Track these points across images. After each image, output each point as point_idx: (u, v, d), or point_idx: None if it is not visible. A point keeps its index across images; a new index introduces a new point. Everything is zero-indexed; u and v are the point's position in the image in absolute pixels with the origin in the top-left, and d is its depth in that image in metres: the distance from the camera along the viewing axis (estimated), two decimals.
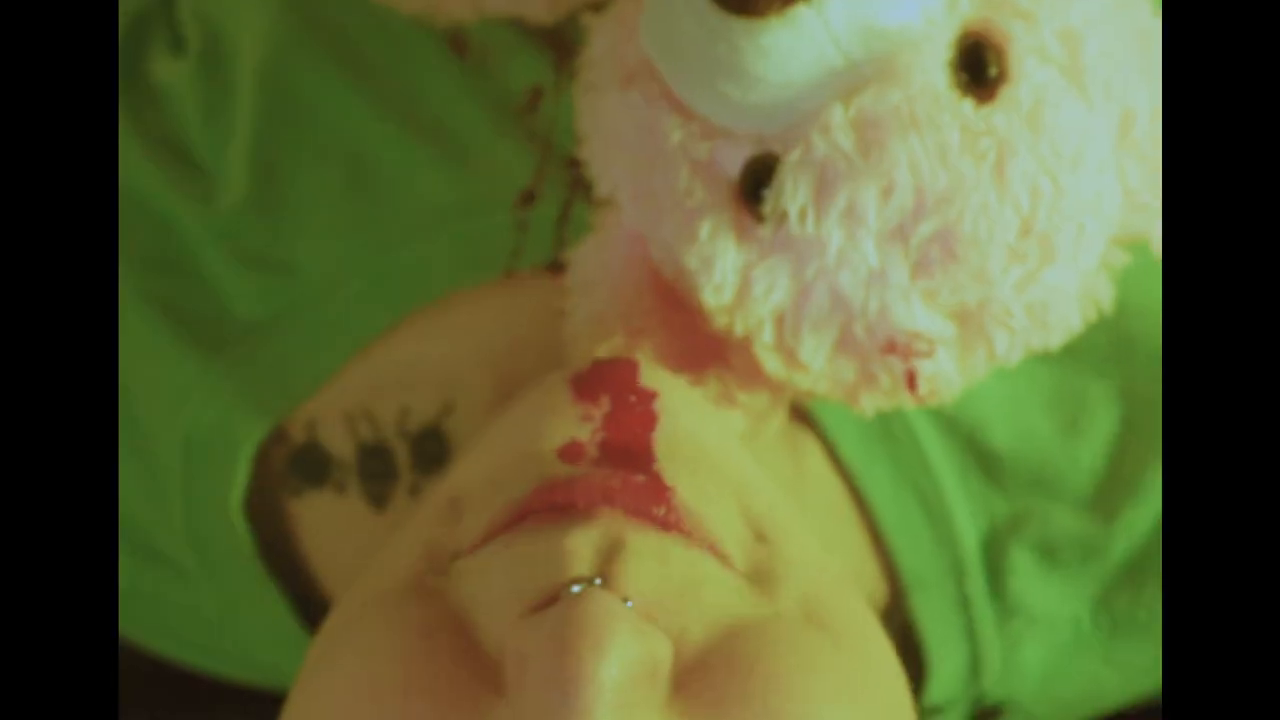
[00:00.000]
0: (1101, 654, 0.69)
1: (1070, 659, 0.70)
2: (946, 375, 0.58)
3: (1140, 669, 0.70)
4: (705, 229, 0.56)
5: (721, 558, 0.56)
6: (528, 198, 0.69)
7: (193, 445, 0.71)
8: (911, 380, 0.58)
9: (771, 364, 0.58)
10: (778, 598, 0.55)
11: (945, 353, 0.58)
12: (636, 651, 0.50)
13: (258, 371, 0.71)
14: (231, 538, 0.71)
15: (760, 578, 0.56)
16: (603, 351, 0.61)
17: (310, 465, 0.71)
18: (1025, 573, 0.69)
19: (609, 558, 0.53)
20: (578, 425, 0.58)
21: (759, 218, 0.56)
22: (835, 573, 0.60)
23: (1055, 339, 0.59)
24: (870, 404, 0.60)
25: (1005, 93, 0.55)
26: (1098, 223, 0.57)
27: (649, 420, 0.57)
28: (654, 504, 0.55)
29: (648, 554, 0.54)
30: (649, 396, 0.58)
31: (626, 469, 0.56)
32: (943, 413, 0.68)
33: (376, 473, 0.70)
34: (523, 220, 0.68)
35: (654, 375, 0.59)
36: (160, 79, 0.76)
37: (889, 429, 0.68)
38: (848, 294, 0.56)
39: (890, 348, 0.57)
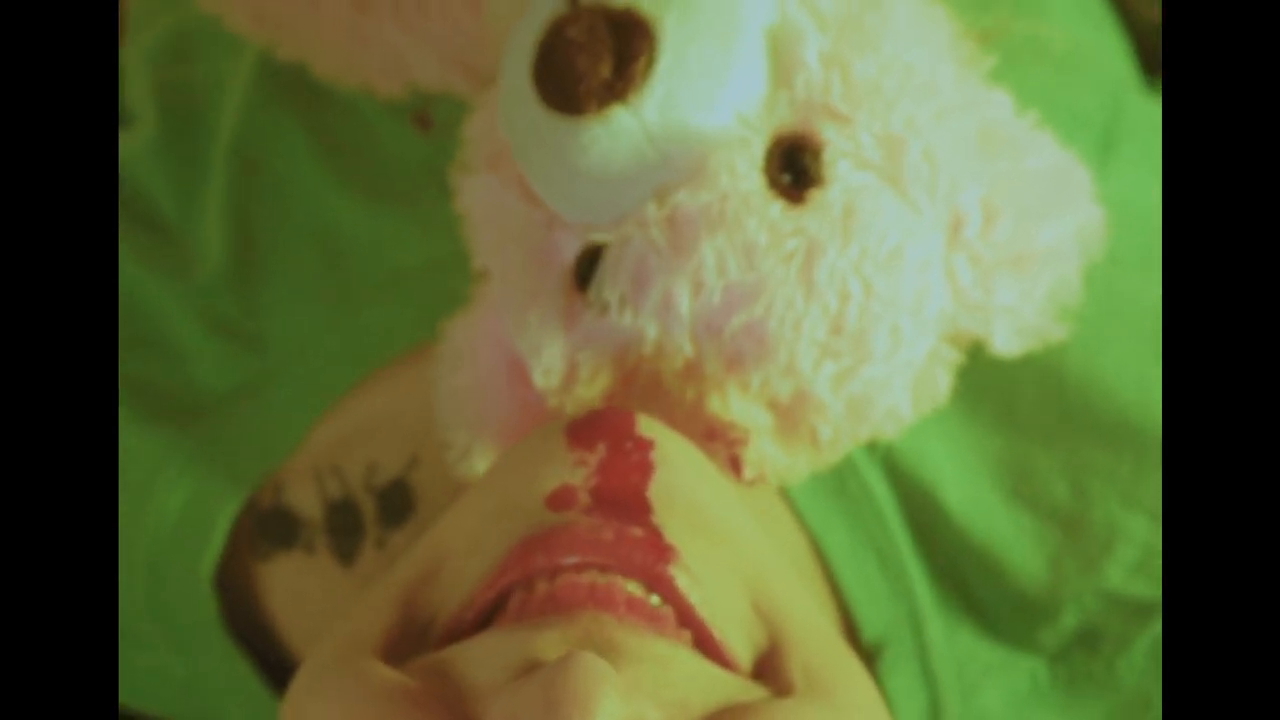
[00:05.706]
0: (1059, 706, 0.69)
1: (1029, 709, 0.69)
2: (774, 460, 0.60)
3: None
4: (535, 315, 0.58)
5: (720, 654, 0.55)
6: None
7: (162, 522, 0.72)
8: (736, 465, 0.59)
9: None
10: (779, 676, 0.55)
11: (768, 440, 0.59)
12: (623, 715, 0.50)
13: (230, 443, 0.72)
14: (197, 608, 0.73)
15: (761, 665, 0.56)
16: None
17: (278, 528, 0.72)
18: (976, 628, 0.69)
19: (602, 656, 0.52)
20: (570, 471, 0.56)
21: (588, 305, 0.58)
22: (828, 631, 0.60)
23: (888, 429, 0.60)
24: None
25: (817, 195, 0.56)
26: (916, 322, 0.57)
27: (645, 468, 0.56)
28: (656, 562, 0.55)
29: (648, 659, 0.53)
30: (646, 445, 0.57)
31: (620, 520, 0.55)
32: (897, 468, 0.69)
33: (344, 528, 0.71)
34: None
35: (651, 426, 0.58)
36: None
37: (844, 484, 0.69)
38: (666, 383, 0.58)
39: (710, 435, 0.59)
